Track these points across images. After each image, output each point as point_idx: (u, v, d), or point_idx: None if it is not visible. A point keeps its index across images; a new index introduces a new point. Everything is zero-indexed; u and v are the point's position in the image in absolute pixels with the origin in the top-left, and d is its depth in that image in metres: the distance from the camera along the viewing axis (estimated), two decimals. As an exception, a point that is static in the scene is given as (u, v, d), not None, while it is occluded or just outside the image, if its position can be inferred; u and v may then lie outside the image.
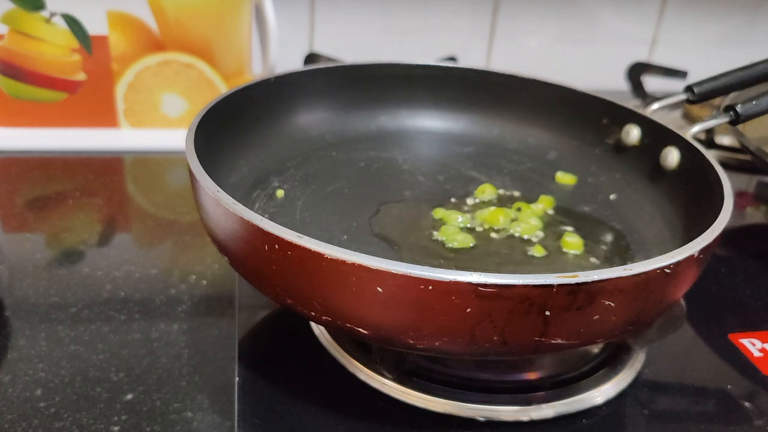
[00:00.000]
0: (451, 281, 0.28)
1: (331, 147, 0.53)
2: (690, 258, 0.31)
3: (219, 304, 0.43)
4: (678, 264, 0.30)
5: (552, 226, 0.46)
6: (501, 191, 0.50)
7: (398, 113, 0.56)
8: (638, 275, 0.29)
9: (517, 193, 0.50)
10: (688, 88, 0.48)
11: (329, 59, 0.69)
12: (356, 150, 0.53)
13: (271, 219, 0.30)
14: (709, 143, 0.71)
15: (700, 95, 0.48)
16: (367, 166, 0.52)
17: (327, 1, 0.77)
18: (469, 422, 0.35)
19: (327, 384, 0.37)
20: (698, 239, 0.32)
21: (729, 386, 0.39)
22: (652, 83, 0.82)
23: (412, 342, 0.30)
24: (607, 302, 0.29)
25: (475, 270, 0.28)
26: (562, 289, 0.28)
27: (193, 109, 0.66)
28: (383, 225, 0.45)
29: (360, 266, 0.28)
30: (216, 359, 0.39)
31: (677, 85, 0.78)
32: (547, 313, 0.28)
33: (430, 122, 0.56)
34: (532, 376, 0.38)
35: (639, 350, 0.40)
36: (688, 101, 0.48)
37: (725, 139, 0.71)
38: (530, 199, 0.49)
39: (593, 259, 0.42)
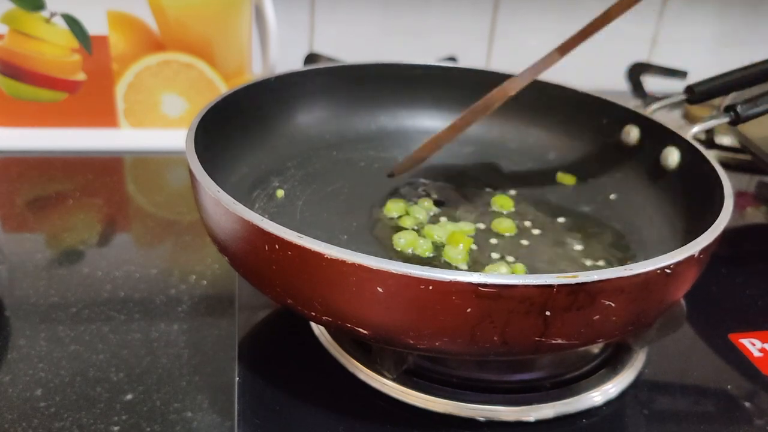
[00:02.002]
0: (451, 281, 0.27)
1: (331, 147, 0.53)
2: (690, 258, 0.31)
3: (219, 304, 0.43)
4: (678, 264, 0.30)
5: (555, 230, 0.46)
6: (499, 192, 0.50)
7: (398, 113, 0.56)
8: (638, 275, 0.29)
9: (514, 192, 0.50)
10: (688, 88, 0.48)
11: (329, 59, 0.69)
12: (356, 150, 0.53)
13: (271, 219, 0.30)
14: (709, 143, 0.71)
15: (700, 95, 0.48)
16: (367, 166, 0.52)
17: (327, 1, 0.77)
18: (469, 422, 0.35)
19: (327, 384, 0.37)
20: (698, 239, 0.32)
21: (729, 386, 0.39)
22: (652, 83, 0.82)
23: (412, 342, 0.30)
24: (607, 302, 0.29)
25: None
26: (563, 290, 0.28)
27: (193, 109, 0.66)
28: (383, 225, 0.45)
29: (360, 266, 0.28)
30: (216, 359, 0.39)
31: (677, 85, 0.78)
32: (548, 313, 0.28)
33: (430, 122, 0.56)
34: (532, 376, 0.38)
35: (639, 350, 0.40)
36: (688, 101, 0.48)
37: (725, 139, 0.71)
38: (529, 199, 0.49)
39: (592, 260, 0.42)
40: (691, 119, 0.76)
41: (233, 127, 0.46)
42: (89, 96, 0.63)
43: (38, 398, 0.35)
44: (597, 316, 0.30)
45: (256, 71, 0.68)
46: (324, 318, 0.31)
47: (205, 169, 0.35)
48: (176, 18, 0.62)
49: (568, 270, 0.41)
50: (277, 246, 0.30)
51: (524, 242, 0.44)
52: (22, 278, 0.45)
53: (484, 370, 0.37)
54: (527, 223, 0.46)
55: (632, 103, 0.51)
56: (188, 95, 0.65)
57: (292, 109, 0.52)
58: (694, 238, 0.32)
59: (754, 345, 0.42)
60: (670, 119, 0.65)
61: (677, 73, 0.82)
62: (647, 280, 0.30)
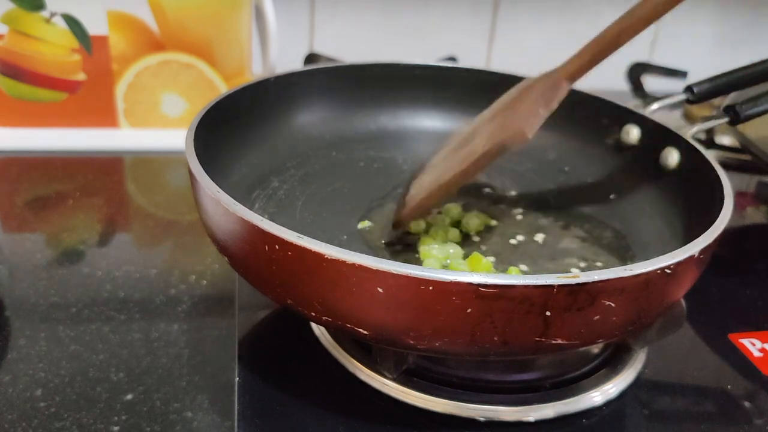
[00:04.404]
0: (451, 282, 0.27)
1: (331, 147, 0.53)
2: (690, 258, 0.31)
3: (219, 304, 0.43)
4: (678, 264, 0.30)
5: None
6: (500, 191, 0.50)
7: (398, 113, 0.56)
8: (638, 275, 0.29)
9: (514, 193, 0.50)
10: (688, 88, 0.48)
11: (329, 59, 0.69)
12: (356, 150, 0.53)
13: (271, 219, 0.30)
14: (709, 143, 0.71)
15: (700, 95, 0.48)
16: (367, 166, 0.52)
17: (327, 1, 0.77)
18: (469, 422, 0.35)
19: (327, 384, 0.37)
20: (698, 239, 0.32)
21: (729, 386, 0.39)
22: (652, 83, 0.82)
23: (412, 342, 0.30)
24: (607, 302, 0.29)
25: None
26: (563, 290, 0.28)
27: (193, 109, 0.65)
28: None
29: (360, 266, 0.28)
30: (216, 359, 0.39)
31: (677, 85, 0.78)
32: (548, 313, 0.28)
33: (430, 122, 0.56)
34: (532, 376, 0.38)
35: (639, 350, 0.40)
36: (688, 101, 0.48)
37: (725, 139, 0.71)
38: (529, 199, 0.49)
39: (592, 260, 0.42)
40: (691, 119, 0.76)
41: (233, 127, 0.46)
42: (89, 96, 0.63)
43: (38, 398, 0.35)
44: (597, 317, 0.30)
45: (256, 71, 0.68)
46: (324, 318, 0.31)
47: (205, 169, 0.35)
48: (176, 18, 0.62)
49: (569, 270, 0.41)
50: (277, 246, 0.30)
51: (524, 242, 0.44)
52: (22, 278, 0.45)
53: (484, 370, 0.37)
54: (527, 224, 0.46)
55: (632, 103, 0.51)
56: (188, 95, 0.65)
57: (291, 109, 0.52)
58: (694, 238, 0.32)
59: (754, 345, 0.42)
60: (670, 119, 0.65)
61: (677, 73, 0.82)
62: (647, 280, 0.30)
